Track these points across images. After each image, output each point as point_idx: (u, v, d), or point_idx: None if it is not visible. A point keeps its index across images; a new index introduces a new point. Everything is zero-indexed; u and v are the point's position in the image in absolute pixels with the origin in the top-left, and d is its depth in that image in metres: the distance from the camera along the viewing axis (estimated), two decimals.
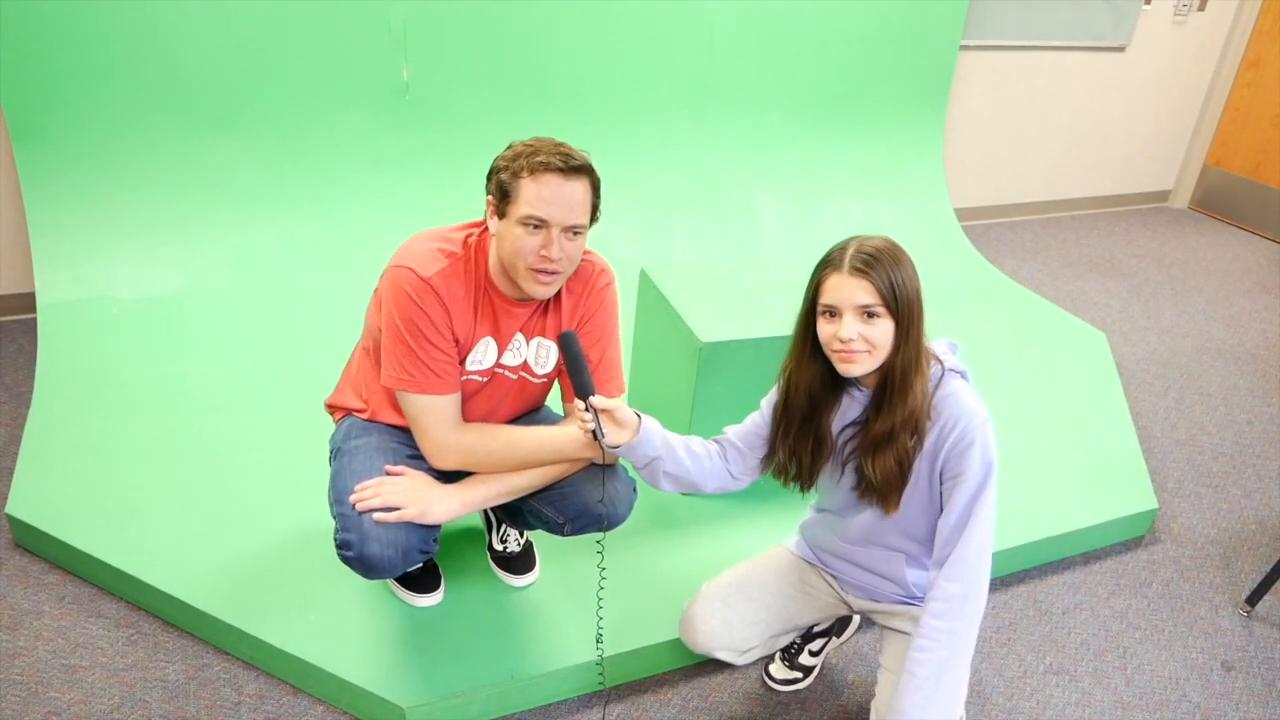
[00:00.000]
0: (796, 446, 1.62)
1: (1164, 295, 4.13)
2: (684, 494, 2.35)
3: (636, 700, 1.90)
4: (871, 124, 4.11)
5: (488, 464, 1.68)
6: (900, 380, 1.49)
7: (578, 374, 1.54)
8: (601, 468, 1.73)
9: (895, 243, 1.48)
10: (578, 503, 1.72)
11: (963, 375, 1.54)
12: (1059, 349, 3.40)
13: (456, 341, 1.65)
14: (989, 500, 1.49)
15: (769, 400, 1.68)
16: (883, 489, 1.56)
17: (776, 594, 1.77)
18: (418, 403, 1.64)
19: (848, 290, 1.44)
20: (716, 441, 1.72)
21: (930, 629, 1.50)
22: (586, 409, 1.54)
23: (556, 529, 1.77)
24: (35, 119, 2.82)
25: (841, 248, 1.47)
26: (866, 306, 1.43)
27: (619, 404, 1.57)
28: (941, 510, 1.54)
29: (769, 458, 1.67)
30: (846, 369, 1.48)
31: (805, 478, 1.64)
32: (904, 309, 1.44)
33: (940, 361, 1.52)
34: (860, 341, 1.44)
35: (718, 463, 1.70)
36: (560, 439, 1.69)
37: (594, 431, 1.54)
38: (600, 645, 1.84)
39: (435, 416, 1.65)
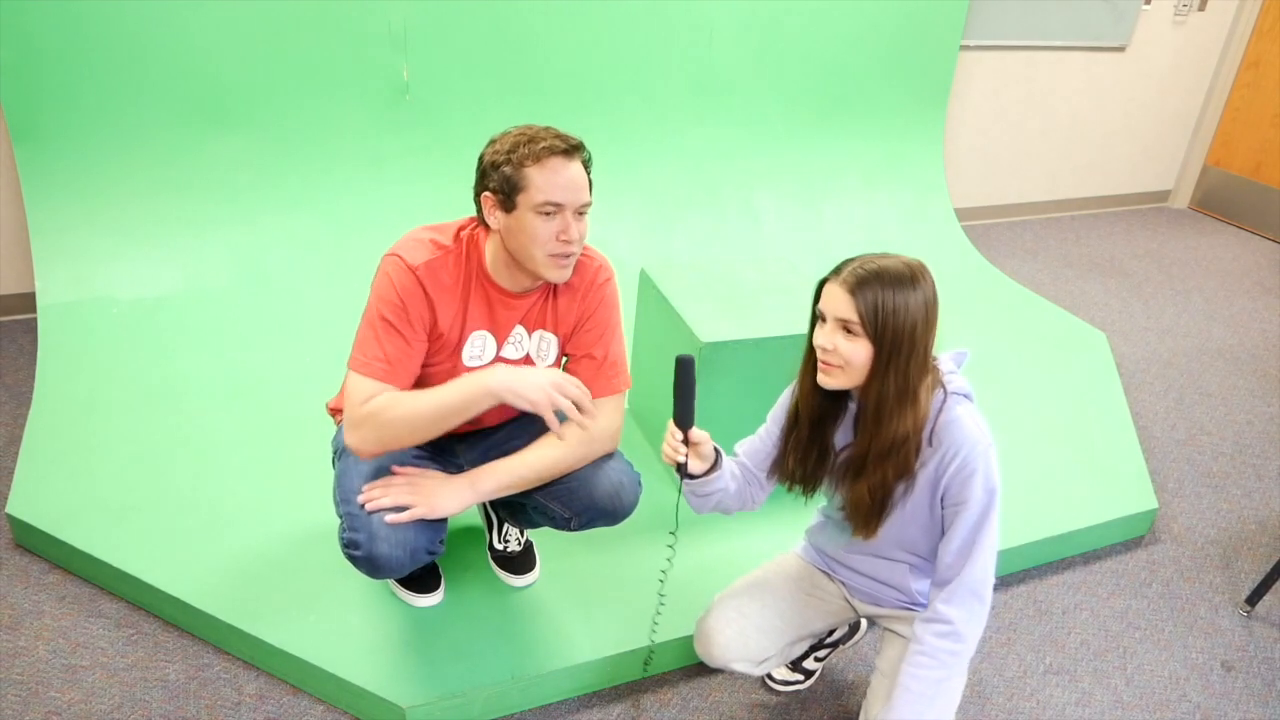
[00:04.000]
0: (803, 454, 1.61)
1: (1164, 295, 4.13)
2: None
3: (637, 700, 1.90)
4: (871, 124, 4.11)
5: (395, 428, 1.55)
6: (874, 411, 1.46)
7: (684, 401, 1.49)
8: (607, 461, 1.73)
9: (917, 270, 1.43)
10: (584, 497, 1.72)
11: (967, 396, 1.51)
12: (1059, 349, 3.39)
13: (440, 335, 1.64)
14: (992, 528, 1.48)
15: (774, 414, 1.67)
16: (854, 515, 1.56)
17: (790, 601, 1.76)
18: (350, 381, 1.58)
19: (834, 301, 1.43)
20: (736, 463, 1.70)
21: (931, 647, 1.50)
22: (685, 440, 1.52)
23: (563, 524, 1.77)
24: (35, 119, 2.81)
25: (851, 259, 1.46)
26: (845, 321, 1.42)
27: (705, 437, 1.55)
28: (943, 533, 1.54)
29: (778, 463, 1.66)
30: (821, 379, 1.48)
31: (808, 486, 1.63)
32: (885, 336, 1.41)
33: (943, 386, 1.49)
34: (835, 355, 1.44)
35: (744, 486, 1.69)
36: (458, 386, 1.56)
37: (680, 464, 1.53)
38: (653, 635, 1.86)
39: (356, 398, 1.56)
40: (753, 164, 3.91)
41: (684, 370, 1.46)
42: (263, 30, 2.96)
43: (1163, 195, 5.37)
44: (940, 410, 1.48)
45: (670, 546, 1.93)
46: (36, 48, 2.73)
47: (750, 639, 1.71)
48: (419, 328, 1.61)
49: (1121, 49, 4.66)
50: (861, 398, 1.49)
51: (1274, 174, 4.88)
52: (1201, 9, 4.74)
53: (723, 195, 3.85)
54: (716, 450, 1.60)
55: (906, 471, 1.50)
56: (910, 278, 1.42)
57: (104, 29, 2.78)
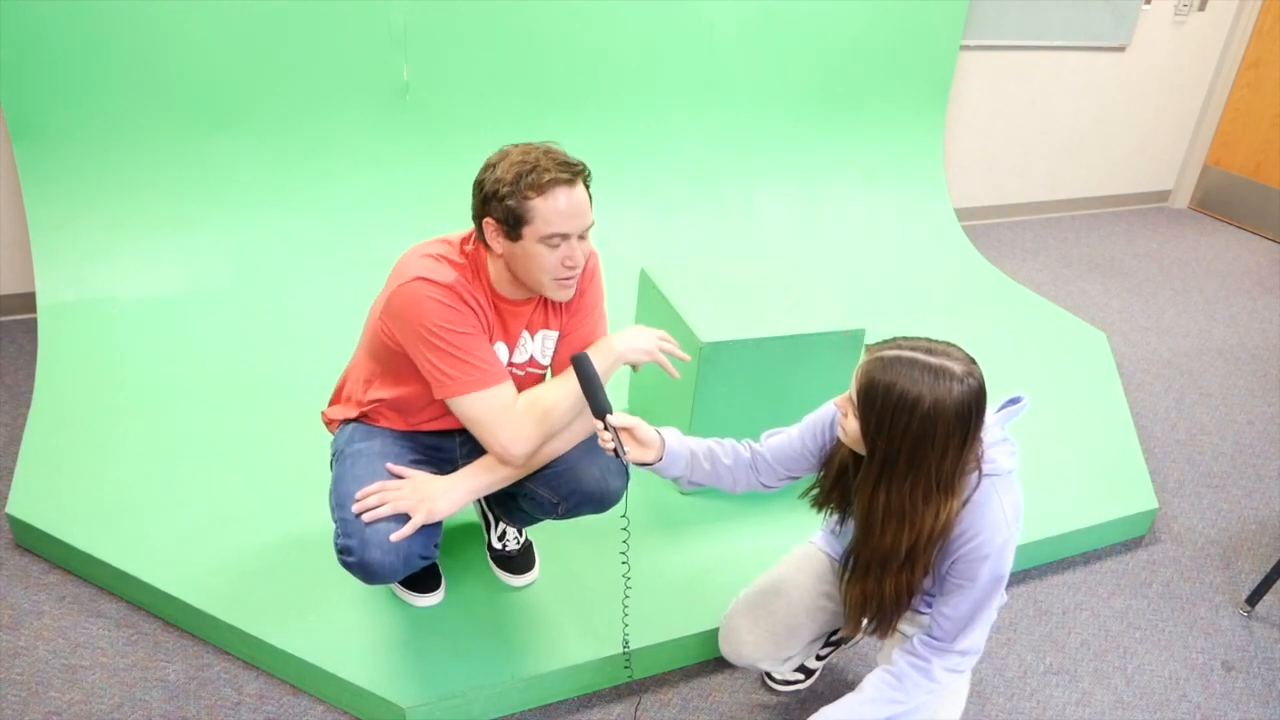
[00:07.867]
0: (826, 493, 1.62)
1: (1164, 295, 4.13)
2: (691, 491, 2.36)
3: (637, 700, 1.89)
4: (871, 124, 4.11)
5: (554, 417, 1.66)
6: (864, 517, 1.45)
7: (593, 394, 1.55)
8: (595, 447, 1.74)
9: (944, 373, 1.32)
10: (571, 481, 1.71)
11: (1010, 472, 1.46)
12: (1059, 349, 3.39)
13: None
14: (992, 608, 1.49)
15: (810, 421, 1.65)
16: (854, 615, 1.57)
17: (815, 595, 1.75)
18: (477, 402, 1.60)
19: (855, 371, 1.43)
20: (750, 449, 1.69)
21: (901, 670, 1.52)
22: (606, 428, 1.54)
23: (551, 509, 1.76)
24: (35, 119, 2.81)
25: (900, 338, 1.41)
26: (849, 394, 1.43)
27: (639, 422, 1.56)
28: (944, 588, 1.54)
29: (817, 497, 1.65)
30: (838, 431, 1.51)
31: (840, 517, 1.65)
32: (874, 431, 1.37)
33: (980, 469, 1.43)
34: (842, 419, 1.46)
35: (746, 474, 1.68)
36: (596, 359, 1.66)
37: (615, 450, 1.54)
38: (626, 640, 1.85)
39: (499, 409, 1.61)
40: (753, 164, 3.91)
41: (579, 365, 1.58)
42: (263, 30, 2.96)
43: (1163, 195, 5.37)
44: (973, 492, 1.44)
45: (624, 541, 1.95)
46: (36, 48, 2.73)
47: (780, 638, 1.72)
48: (481, 332, 1.62)
49: (1121, 49, 4.66)
50: (855, 497, 1.48)
51: (1274, 174, 4.88)
52: (1201, 9, 4.74)
53: (723, 195, 3.85)
54: (661, 435, 1.60)
55: (907, 590, 1.48)
56: (934, 377, 1.33)
57: (104, 29, 2.78)
